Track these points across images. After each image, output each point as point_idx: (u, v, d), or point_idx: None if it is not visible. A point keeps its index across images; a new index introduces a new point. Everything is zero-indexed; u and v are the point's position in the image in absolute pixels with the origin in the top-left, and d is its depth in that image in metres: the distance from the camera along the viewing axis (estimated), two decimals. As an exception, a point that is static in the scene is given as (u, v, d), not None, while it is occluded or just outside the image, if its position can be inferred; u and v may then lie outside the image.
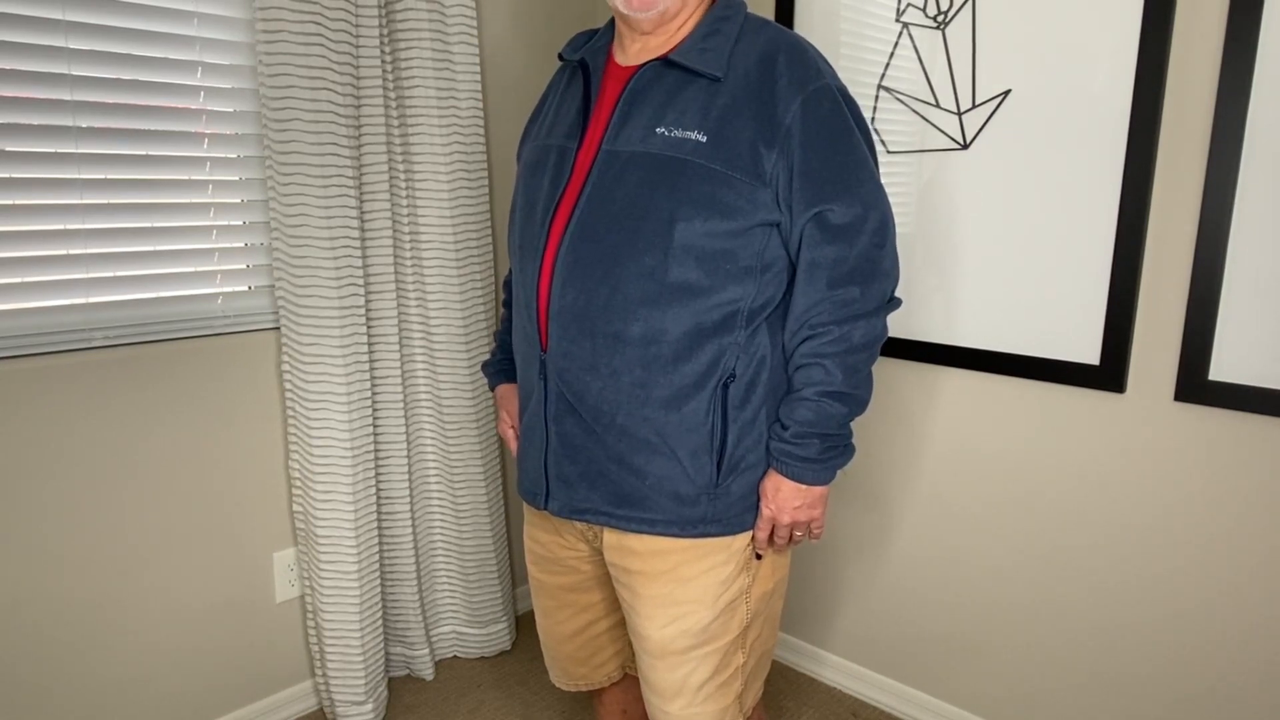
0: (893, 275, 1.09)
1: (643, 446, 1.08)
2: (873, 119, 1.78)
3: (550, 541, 1.26)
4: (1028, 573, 1.69)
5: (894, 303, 1.10)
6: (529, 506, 1.29)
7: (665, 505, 1.09)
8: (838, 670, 2.03)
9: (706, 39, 1.06)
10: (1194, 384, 1.42)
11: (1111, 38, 1.44)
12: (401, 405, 1.92)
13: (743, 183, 1.01)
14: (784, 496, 1.09)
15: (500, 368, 1.39)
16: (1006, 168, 1.59)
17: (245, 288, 1.75)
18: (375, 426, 1.91)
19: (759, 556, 1.15)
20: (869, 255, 1.06)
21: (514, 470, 2.31)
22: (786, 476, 1.08)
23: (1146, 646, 1.55)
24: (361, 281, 1.78)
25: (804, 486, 1.09)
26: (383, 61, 1.78)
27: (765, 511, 1.11)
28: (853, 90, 1.80)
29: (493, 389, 1.40)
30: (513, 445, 1.36)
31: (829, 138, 1.03)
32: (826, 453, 1.08)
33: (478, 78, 1.94)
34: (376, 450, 1.92)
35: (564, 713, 1.93)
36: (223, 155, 1.68)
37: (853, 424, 1.91)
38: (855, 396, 1.08)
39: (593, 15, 2.31)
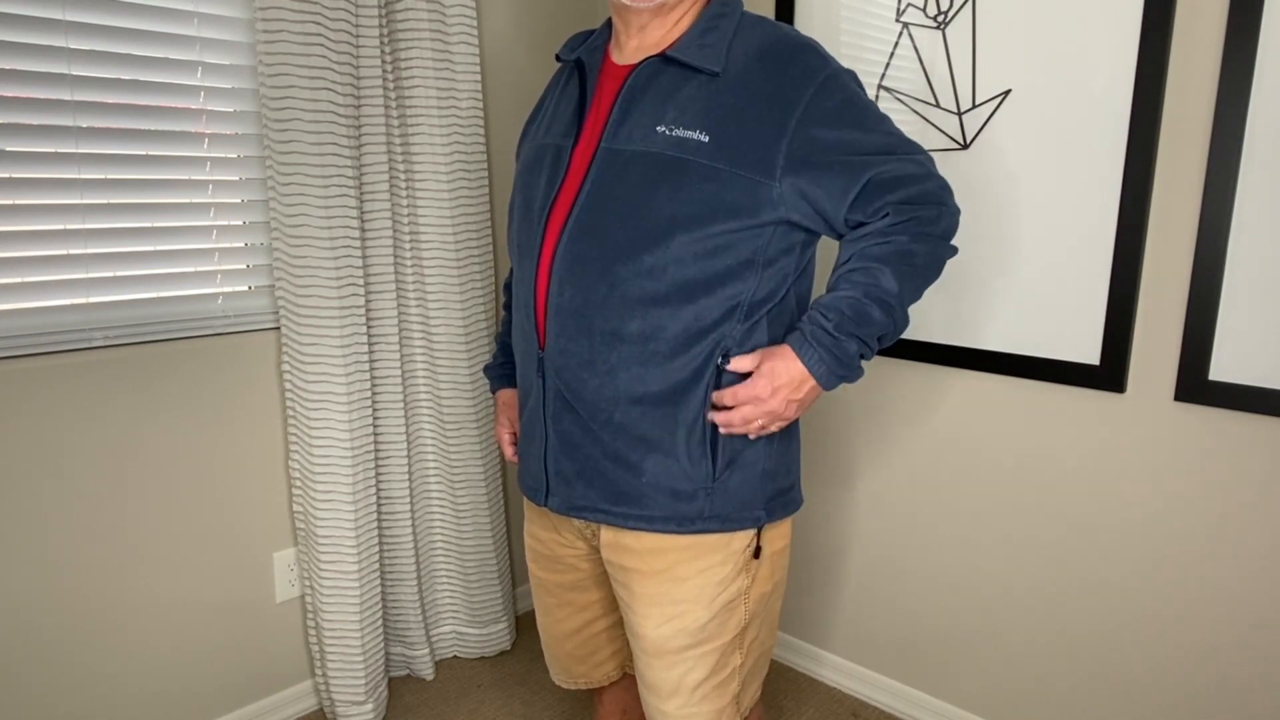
0: (957, 213, 1.08)
1: (639, 443, 1.08)
2: (873, 119, 1.78)
3: (549, 539, 1.26)
4: (1027, 572, 1.69)
5: (954, 248, 1.10)
6: (529, 504, 1.30)
7: (662, 502, 1.09)
8: (837, 670, 2.03)
9: (704, 35, 1.06)
10: (1194, 384, 1.42)
11: (1111, 38, 1.44)
12: (401, 405, 1.92)
13: (747, 180, 1.01)
14: (786, 380, 1.04)
15: (501, 372, 1.39)
16: (1006, 168, 1.59)
17: (245, 288, 1.75)
18: (375, 426, 1.91)
19: (714, 407, 1.08)
20: (939, 190, 1.06)
21: (514, 470, 2.31)
22: (804, 361, 1.04)
23: (1146, 646, 1.55)
24: (361, 281, 1.78)
25: (809, 379, 1.05)
26: (383, 61, 1.78)
27: (759, 386, 1.04)
28: (853, 90, 1.80)
29: (494, 393, 1.41)
30: (508, 450, 1.36)
31: (857, 115, 1.03)
32: (855, 358, 1.05)
33: (478, 78, 1.94)
34: (376, 450, 1.92)
35: (564, 713, 1.93)
36: (223, 155, 1.68)
37: (849, 420, 1.91)
38: (899, 316, 1.05)
39: (592, 15, 2.31)
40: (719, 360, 1.06)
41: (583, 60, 1.14)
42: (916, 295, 1.07)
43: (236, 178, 1.70)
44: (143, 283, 1.61)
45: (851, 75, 1.07)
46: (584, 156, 1.08)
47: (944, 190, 1.07)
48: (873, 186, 1.03)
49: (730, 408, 1.06)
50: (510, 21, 2.10)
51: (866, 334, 1.04)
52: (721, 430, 1.07)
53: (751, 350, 1.08)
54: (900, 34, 1.70)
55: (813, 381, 1.05)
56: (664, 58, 1.06)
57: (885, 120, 1.06)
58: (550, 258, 1.08)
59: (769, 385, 1.04)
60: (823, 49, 1.07)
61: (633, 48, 1.11)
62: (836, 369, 1.04)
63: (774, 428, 1.08)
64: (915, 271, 1.05)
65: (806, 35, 1.08)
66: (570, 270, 1.06)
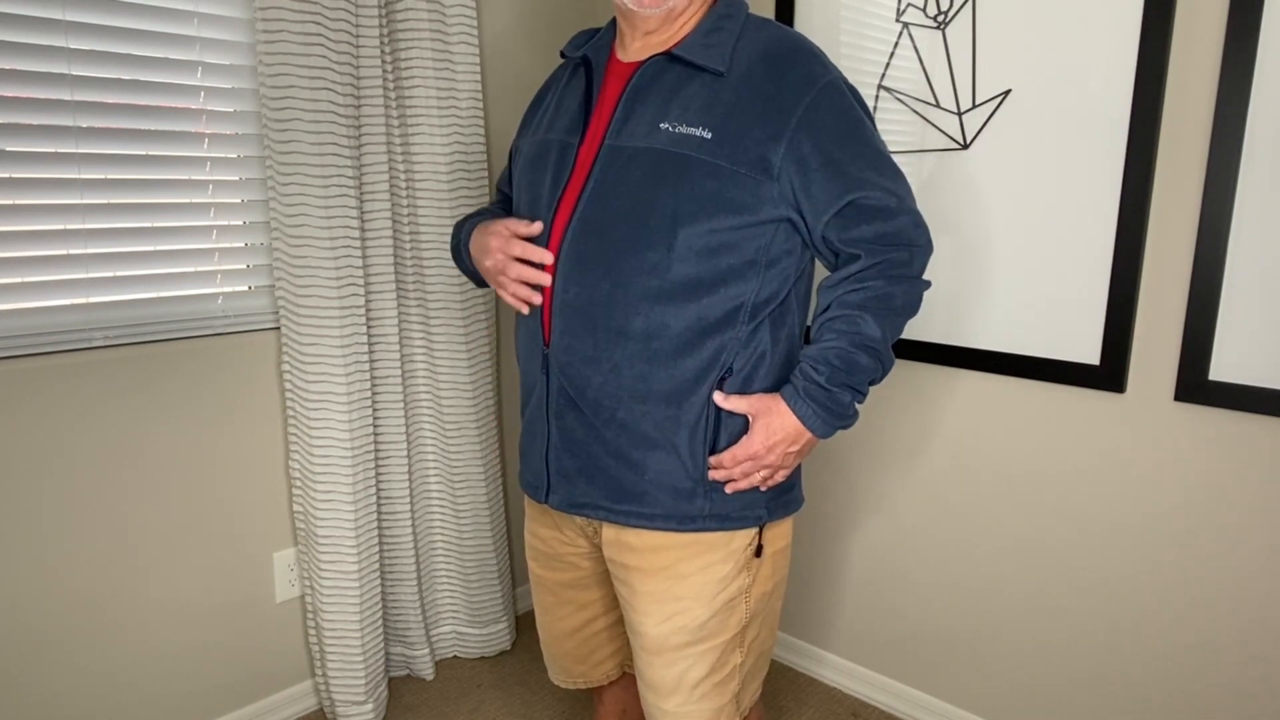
0: (929, 251, 1.09)
1: (642, 441, 1.08)
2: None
3: (550, 537, 1.26)
4: (1028, 573, 1.69)
5: (928, 283, 1.11)
6: (530, 502, 1.30)
7: (663, 500, 1.10)
8: (838, 670, 2.03)
9: (709, 35, 1.06)
10: (1194, 384, 1.42)
11: (1111, 38, 1.44)
12: (401, 405, 1.92)
13: (748, 178, 1.02)
14: (782, 436, 1.06)
15: (480, 217, 1.27)
16: (1006, 168, 1.59)
17: (245, 288, 1.75)
18: (375, 426, 1.91)
19: (709, 465, 1.09)
20: (912, 228, 1.07)
21: (514, 470, 2.31)
22: (799, 415, 1.06)
23: (1146, 646, 1.55)
24: (361, 281, 1.78)
25: (806, 433, 1.07)
26: (383, 61, 1.78)
27: (755, 444, 1.07)
28: (853, 90, 1.80)
29: (469, 233, 1.25)
30: (522, 228, 1.13)
31: (847, 130, 1.04)
32: (849, 407, 1.07)
33: (478, 78, 1.94)
34: (376, 450, 1.92)
35: (564, 713, 1.93)
36: (223, 155, 1.68)
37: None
38: (886, 358, 1.07)
39: (593, 15, 2.31)
40: (721, 375, 1.07)
41: (589, 57, 1.14)
42: (898, 334, 1.09)
43: (236, 178, 1.70)
44: (143, 283, 1.61)
45: (850, 86, 1.08)
46: (589, 154, 1.09)
47: (916, 228, 1.07)
48: (851, 210, 1.04)
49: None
50: (510, 21, 2.10)
51: (858, 382, 1.06)
52: (728, 490, 1.10)
53: (752, 354, 1.08)
54: (900, 34, 1.70)
55: (810, 434, 1.07)
56: (669, 56, 1.06)
57: (874, 137, 1.07)
58: (555, 255, 1.08)
59: (765, 442, 1.07)
60: (825, 56, 1.08)
61: (637, 48, 1.12)
62: (832, 420, 1.07)
63: (778, 477, 1.11)
64: (894, 313, 1.07)
65: (810, 41, 1.08)
66: (575, 267, 1.06)
